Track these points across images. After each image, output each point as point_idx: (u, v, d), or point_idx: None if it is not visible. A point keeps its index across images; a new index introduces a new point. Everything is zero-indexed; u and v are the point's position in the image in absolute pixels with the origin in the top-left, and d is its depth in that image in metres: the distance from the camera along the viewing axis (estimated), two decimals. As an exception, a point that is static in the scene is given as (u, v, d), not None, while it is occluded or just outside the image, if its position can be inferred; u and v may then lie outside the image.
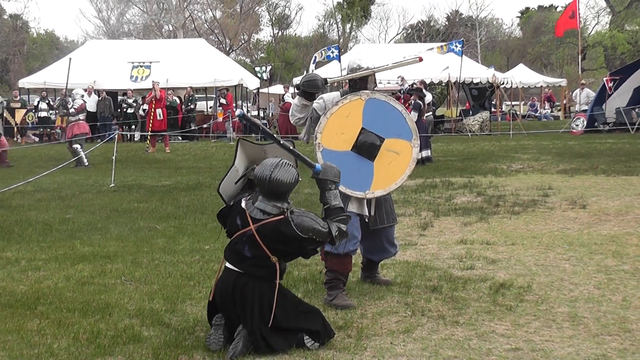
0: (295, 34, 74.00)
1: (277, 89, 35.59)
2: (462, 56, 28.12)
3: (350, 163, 6.14)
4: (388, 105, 6.30)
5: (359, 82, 6.52)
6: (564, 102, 41.54)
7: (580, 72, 36.39)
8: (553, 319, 5.62)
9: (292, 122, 6.68)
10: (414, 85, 20.40)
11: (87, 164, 18.35)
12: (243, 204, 5.22)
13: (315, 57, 29.52)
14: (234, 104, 30.56)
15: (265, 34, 75.15)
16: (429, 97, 18.38)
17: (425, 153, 17.55)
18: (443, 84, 31.42)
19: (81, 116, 18.95)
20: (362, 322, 5.61)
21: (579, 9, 31.89)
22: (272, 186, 5.07)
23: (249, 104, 33.81)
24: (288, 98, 29.10)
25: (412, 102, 17.99)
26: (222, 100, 29.53)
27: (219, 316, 5.19)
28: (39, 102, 30.41)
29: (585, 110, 29.01)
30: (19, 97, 30.52)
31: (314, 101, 6.47)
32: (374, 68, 6.51)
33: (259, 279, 5.11)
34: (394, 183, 6.30)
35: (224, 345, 5.03)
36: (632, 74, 27.99)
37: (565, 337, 5.20)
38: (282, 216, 5.06)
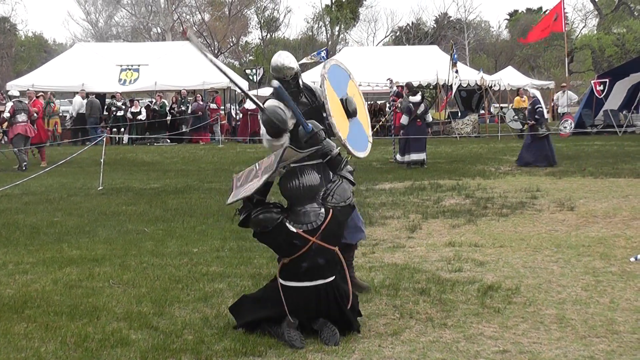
0: (284, 37, 73.94)
1: (266, 91, 35.54)
2: (452, 59, 28.24)
3: (354, 131, 6.25)
4: (333, 65, 6.45)
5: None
6: (552, 104, 41.66)
7: (567, 75, 36.48)
8: (541, 321, 5.63)
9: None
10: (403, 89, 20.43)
11: (23, 168, 18.26)
12: (291, 228, 5.32)
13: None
14: (222, 107, 30.64)
15: (254, 36, 75.04)
16: (417, 98, 18.31)
17: (422, 156, 17.48)
18: (432, 87, 31.46)
19: (19, 118, 18.69)
20: (351, 325, 5.60)
21: (564, 11, 31.95)
22: (306, 191, 5.42)
23: (237, 107, 33.80)
24: (247, 103, 29.46)
25: (401, 104, 18.00)
26: (212, 105, 29.50)
27: (293, 318, 5.28)
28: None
29: (567, 113, 29.22)
30: (4, 100, 30.34)
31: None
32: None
33: (335, 280, 5.41)
34: (367, 117, 6.70)
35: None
36: (622, 76, 28.14)
37: (553, 339, 5.21)
38: (331, 211, 5.42)
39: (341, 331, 5.30)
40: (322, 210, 5.43)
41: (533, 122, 17.31)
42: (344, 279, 5.50)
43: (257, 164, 5.56)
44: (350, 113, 6.27)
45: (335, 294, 5.36)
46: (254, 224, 5.40)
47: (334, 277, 5.41)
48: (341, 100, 6.25)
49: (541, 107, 17.31)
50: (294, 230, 5.31)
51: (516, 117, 26.52)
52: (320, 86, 6.16)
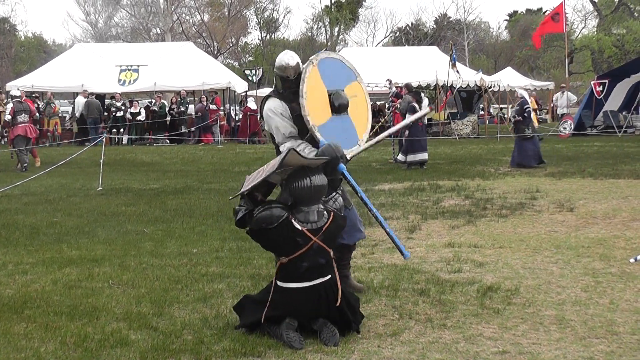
0: (284, 38, 73.92)
1: (266, 92, 35.62)
2: (451, 60, 28.24)
3: (337, 126, 6.22)
4: (330, 59, 6.51)
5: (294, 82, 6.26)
6: (551, 105, 41.72)
7: (567, 76, 36.48)
8: (540, 322, 5.62)
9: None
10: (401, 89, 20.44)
11: (23, 169, 18.22)
12: (297, 225, 5.33)
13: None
14: (222, 107, 30.62)
15: (253, 37, 75.04)
16: (426, 102, 18.46)
17: (426, 155, 17.49)
18: (431, 87, 31.43)
19: (20, 119, 18.61)
20: (350, 325, 5.60)
21: (565, 12, 31.99)
22: (316, 192, 5.41)
23: (237, 107, 33.80)
24: (250, 103, 29.33)
25: (401, 104, 18.00)
26: (212, 106, 29.50)
27: (292, 320, 5.27)
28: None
29: (567, 114, 29.24)
30: (5, 100, 30.34)
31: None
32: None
33: (330, 278, 5.41)
34: (368, 121, 6.58)
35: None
36: (622, 77, 28.15)
37: (553, 340, 5.21)
38: (332, 215, 5.47)
39: (341, 331, 5.30)
40: (326, 211, 5.46)
41: (520, 118, 17.53)
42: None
43: (265, 166, 5.60)
44: (335, 108, 6.27)
45: (334, 292, 5.37)
46: (258, 220, 5.38)
47: (331, 275, 5.42)
48: (329, 92, 6.27)
49: (529, 108, 17.73)
50: (299, 227, 5.32)
51: None
52: (306, 67, 6.18)
